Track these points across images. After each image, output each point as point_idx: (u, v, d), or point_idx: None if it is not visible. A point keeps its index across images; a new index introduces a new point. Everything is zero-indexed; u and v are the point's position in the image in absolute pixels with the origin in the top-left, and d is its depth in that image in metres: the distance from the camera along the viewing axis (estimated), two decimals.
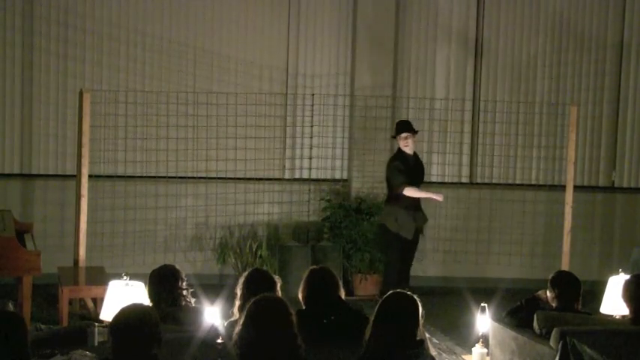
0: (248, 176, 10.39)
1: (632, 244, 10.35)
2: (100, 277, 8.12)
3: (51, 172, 10.21)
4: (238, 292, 5.44)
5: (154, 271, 5.74)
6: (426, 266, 10.60)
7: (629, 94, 11.06)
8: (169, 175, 10.16)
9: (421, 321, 4.55)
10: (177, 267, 5.80)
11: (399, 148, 9.02)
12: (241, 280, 5.49)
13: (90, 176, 8.78)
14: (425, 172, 9.38)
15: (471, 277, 10.58)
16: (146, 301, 5.52)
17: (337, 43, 10.70)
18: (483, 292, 9.51)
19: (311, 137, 10.59)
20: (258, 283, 5.34)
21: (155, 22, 10.35)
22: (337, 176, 10.68)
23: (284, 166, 10.64)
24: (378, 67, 10.53)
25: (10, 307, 7.70)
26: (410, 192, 8.86)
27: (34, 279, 7.95)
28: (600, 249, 11.02)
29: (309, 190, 10.51)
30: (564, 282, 6.13)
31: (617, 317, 6.36)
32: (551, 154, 10.86)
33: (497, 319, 6.37)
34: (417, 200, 9.01)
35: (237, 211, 10.30)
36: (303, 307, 5.41)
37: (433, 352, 4.62)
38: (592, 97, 11.02)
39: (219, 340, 4.93)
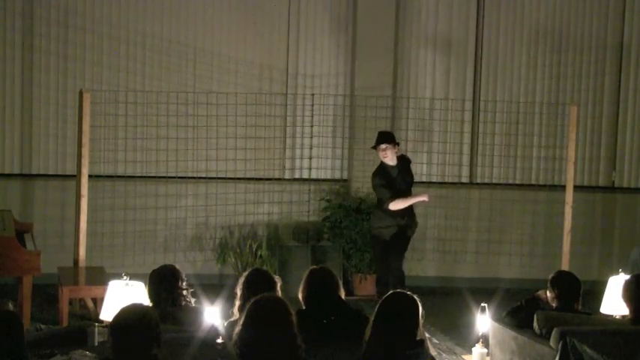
0: (248, 176, 10.38)
1: (632, 244, 10.35)
2: (100, 277, 8.13)
3: (51, 172, 10.21)
4: (238, 292, 5.44)
5: (153, 271, 5.74)
6: (426, 266, 10.60)
7: (629, 94, 11.06)
8: (169, 175, 10.16)
9: (421, 321, 4.55)
10: (177, 267, 5.80)
11: (382, 160, 8.89)
12: (241, 280, 5.49)
13: (90, 176, 8.78)
14: (413, 174, 9.10)
15: (471, 277, 10.58)
16: (146, 301, 5.52)
17: (337, 43, 10.70)
18: (483, 292, 9.51)
19: (311, 137, 10.59)
20: (258, 283, 5.34)
21: (155, 22, 10.35)
22: (337, 176, 10.68)
23: (284, 166, 10.64)
24: (378, 67, 10.53)
25: (10, 307, 7.69)
26: (395, 205, 8.69)
27: (34, 279, 7.96)
28: (600, 249, 11.02)
29: (309, 190, 10.51)
30: (564, 282, 6.13)
31: (617, 317, 6.36)
32: (551, 154, 10.85)
33: (497, 319, 6.37)
34: (406, 208, 8.91)
35: (237, 211, 10.30)
36: (303, 307, 5.41)
37: (433, 352, 4.63)
38: (592, 97, 11.02)
39: (219, 340, 4.93)
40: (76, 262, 8.72)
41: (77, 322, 7.57)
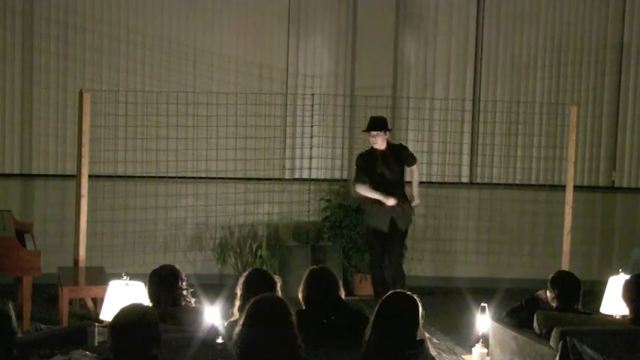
0: (248, 176, 10.38)
1: (632, 244, 10.35)
2: (100, 277, 8.12)
3: (51, 172, 10.21)
4: (238, 292, 5.44)
5: (153, 271, 5.74)
6: (426, 266, 10.60)
7: (629, 94, 11.06)
8: (169, 175, 10.16)
9: (421, 321, 4.55)
10: (177, 267, 5.80)
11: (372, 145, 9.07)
12: (241, 280, 5.49)
13: (90, 176, 8.78)
14: (403, 167, 9.14)
15: (471, 277, 10.58)
16: (146, 301, 5.52)
17: (337, 42, 10.70)
18: (483, 292, 9.51)
19: (311, 137, 10.59)
20: (258, 283, 5.34)
21: (155, 22, 10.35)
22: (337, 176, 10.68)
23: (284, 166, 10.64)
24: (378, 67, 10.53)
25: (10, 306, 7.69)
26: (360, 190, 9.01)
27: (34, 279, 7.96)
28: (600, 249, 11.02)
29: (309, 190, 10.51)
30: (564, 282, 6.13)
31: (617, 317, 6.36)
32: (551, 154, 10.85)
33: (497, 319, 6.37)
34: (395, 193, 8.95)
35: (237, 211, 10.30)
36: (303, 307, 5.41)
37: (433, 352, 4.63)
38: (592, 97, 11.01)
39: (219, 340, 4.93)
40: (76, 262, 8.72)
41: (77, 322, 7.56)
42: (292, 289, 6.04)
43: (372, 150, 9.03)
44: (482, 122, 10.87)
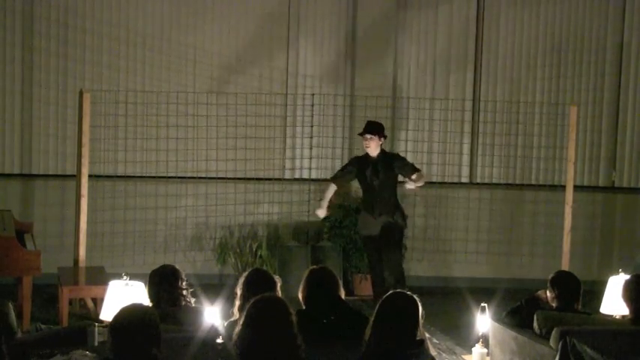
0: (248, 176, 10.38)
1: (632, 244, 10.36)
2: (100, 277, 8.13)
3: (51, 172, 10.21)
4: (238, 292, 5.44)
5: (153, 271, 5.74)
6: (426, 266, 10.60)
7: (629, 94, 11.06)
8: (169, 175, 10.16)
9: (421, 321, 4.55)
10: (177, 267, 5.80)
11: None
12: (241, 280, 5.49)
13: (90, 176, 8.79)
14: (394, 177, 9.05)
15: (470, 277, 10.58)
16: (146, 301, 5.52)
17: (337, 43, 10.70)
18: (483, 292, 9.51)
19: (311, 137, 10.59)
20: (258, 283, 5.34)
21: (155, 22, 10.35)
22: None
23: (284, 166, 10.64)
24: (378, 67, 10.53)
25: (10, 306, 7.69)
26: (328, 187, 9.25)
27: (34, 279, 7.97)
28: (600, 249, 11.02)
29: (309, 190, 10.50)
30: (564, 282, 6.13)
31: (617, 317, 6.36)
32: (551, 154, 10.85)
33: (497, 319, 6.37)
34: (384, 203, 8.95)
35: (237, 211, 10.30)
36: (303, 307, 5.41)
37: (433, 352, 4.62)
38: (592, 97, 11.01)
39: (219, 340, 4.93)
40: (76, 262, 8.72)
41: (77, 322, 7.56)
42: (292, 289, 6.04)
43: (364, 155, 9.07)
44: (482, 122, 10.87)
